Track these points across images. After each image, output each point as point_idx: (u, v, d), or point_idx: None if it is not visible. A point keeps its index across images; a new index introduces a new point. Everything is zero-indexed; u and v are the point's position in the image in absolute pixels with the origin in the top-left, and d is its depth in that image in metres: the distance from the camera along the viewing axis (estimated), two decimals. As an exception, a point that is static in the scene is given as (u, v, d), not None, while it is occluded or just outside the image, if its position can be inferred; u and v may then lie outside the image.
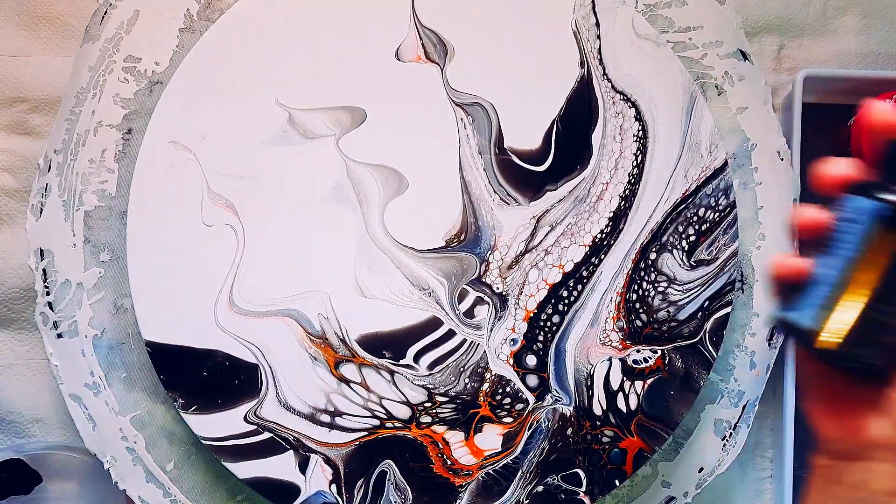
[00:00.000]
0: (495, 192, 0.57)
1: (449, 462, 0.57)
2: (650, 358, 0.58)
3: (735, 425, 0.61)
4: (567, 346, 0.58)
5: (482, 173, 0.57)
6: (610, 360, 0.58)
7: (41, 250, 0.57)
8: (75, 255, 0.57)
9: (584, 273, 0.58)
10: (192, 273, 0.56)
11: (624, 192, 0.58)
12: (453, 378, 0.57)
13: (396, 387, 0.57)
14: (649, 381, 0.58)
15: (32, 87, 0.63)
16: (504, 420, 0.57)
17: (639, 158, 0.58)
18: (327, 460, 0.56)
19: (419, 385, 0.57)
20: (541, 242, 0.58)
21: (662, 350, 0.58)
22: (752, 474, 0.66)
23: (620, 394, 0.58)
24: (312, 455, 0.56)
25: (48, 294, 0.57)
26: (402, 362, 0.57)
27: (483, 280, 0.58)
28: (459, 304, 0.57)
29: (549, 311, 0.58)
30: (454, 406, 0.57)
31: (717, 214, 0.59)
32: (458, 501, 0.57)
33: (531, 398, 0.58)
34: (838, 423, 0.37)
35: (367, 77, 0.57)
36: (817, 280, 0.39)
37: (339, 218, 0.57)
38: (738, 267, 0.61)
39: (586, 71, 0.58)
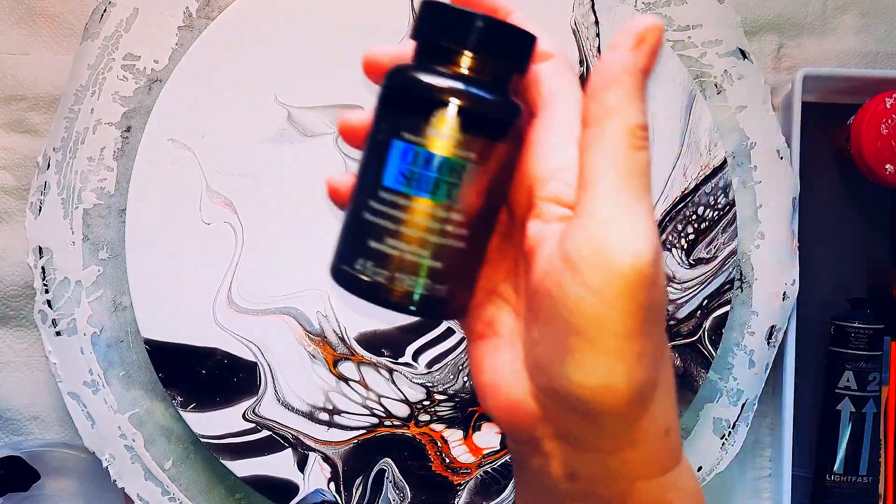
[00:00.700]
0: (494, 191, 0.57)
1: (447, 460, 0.57)
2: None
3: (734, 424, 0.61)
4: (566, 345, 0.58)
5: (481, 172, 0.57)
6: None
7: (40, 248, 0.57)
8: (74, 252, 0.57)
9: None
10: (191, 271, 0.55)
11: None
12: (452, 376, 0.57)
13: (395, 385, 0.57)
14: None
15: (31, 85, 0.63)
16: (503, 418, 0.57)
17: (638, 157, 0.58)
18: (326, 458, 0.56)
19: (418, 383, 0.57)
20: (540, 241, 0.58)
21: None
22: (750, 473, 0.66)
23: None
24: (311, 453, 0.56)
25: (47, 292, 0.57)
26: (400, 360, 0.57)
27: (482, 278, 0.57)
28: (458, 302, 0.57)
29: (548, 310, 0.58)
30: (453, 404, 0.57)
31: (716, 213, 0.59)
32: (456, 500, 0.57)
33: (530, 397, 0.58)
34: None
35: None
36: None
37: (339, 216, 0.57)
38: (737, 265, 0.61)
39: (585, 69, 0.58)
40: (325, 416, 0.56)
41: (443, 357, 0.57)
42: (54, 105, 0.63)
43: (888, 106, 0.61)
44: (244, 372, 0.55)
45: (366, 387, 0.56)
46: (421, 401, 0.57)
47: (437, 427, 0.57)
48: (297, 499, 0.56)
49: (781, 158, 0.61)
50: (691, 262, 0.59)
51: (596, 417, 0.29)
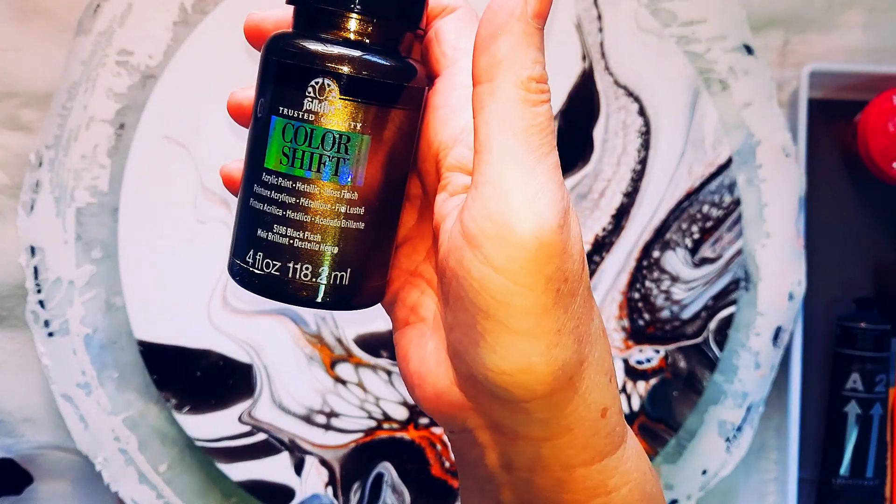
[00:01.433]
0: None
1: (447, 464, 0.56)
2: (653, 358, 0.57)
3: (739, 427, 0.60)
4: (568, 346, 0.57)
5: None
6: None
7: (32, 247, 0.56)
8: (67, 252, 0.56)
9: (586, 271, 0.57)
10: (186, 271, 0.55)
11: (626, 188, 0.57)
12: (452, 378, 0.56)
13: (394, 387, 0.56)
14: (652, 382, 0.57)
15: (24, 82, 0.62)
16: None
17: (641, 154, 0.58)
18: (323, 462, 0.55)
19: (417, 385, 0.56)
20: (541, 240, 0.57)
21: (665, 350, 0.58)
22: (756, 476, 0.65)
23: (622, 395, 0.57)
24: (308, 457, 0.55)
25: (39, 292, 0.56)
26: (399, 362, 0.56)
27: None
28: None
29: (550, 310, 0.57)
30: (453, 407, 0.56)
31: (721, 211, 0.58)
32: (455, 503, 0.56)
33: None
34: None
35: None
36: None
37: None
38: (743, 265, 0.60)
39: (588, 65, 0.57)
40: (322, 419, 0.55)
41: (442, 358, 0.56)
42: (47, 102, 0.62)
43: (895, 103, 0.61)
44: (240, 374, 0.55)
45: (364, 389, 0.56)
46: (420, 403, 0.56)
47: (437, 430, 0.56)
48: (294, 503, 0.55)
49: (787, 156, 0.61)
50: (696, 261, 0.58)
51: (519, 404, 0.26)
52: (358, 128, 0.27)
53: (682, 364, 0.58)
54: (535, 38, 0.26)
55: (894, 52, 0.67)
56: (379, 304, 0.31)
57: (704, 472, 0.60)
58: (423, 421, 0.56)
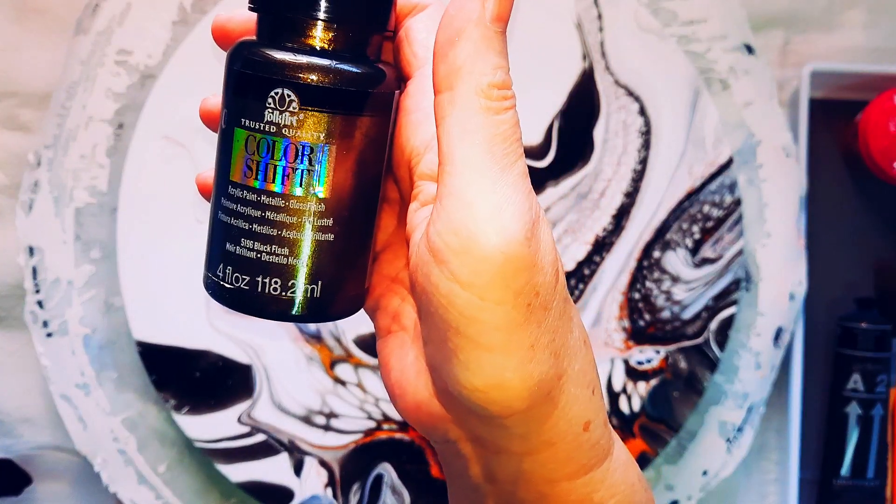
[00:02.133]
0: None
1: (447, 465, 0.56)
2: (654, 358, 0.57)
3: (740, 427, 0.60)
4: (568, 347, 0.57)
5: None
6: (612, 360, 0.57)
7: (31, 247, 0.56)
8: (66, 252, 0.56)
9: (587, 271, 0.57)
10: (185, 271, 0.55)
11: (627, 188, 0.57)
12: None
13: (394, 387, 0.56)
14: (652, 383, 0.57)
15: (23, 82, 0.62)
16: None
17: (642, 154, 0.57)
18: (323, 463, 0.55)
19: (417, 386, 0.56)
20: (541, 240, 0.57)
21: (666, 350, 0.57)
22: (756, 477, 0.65)
23: (623, 395, 0.57)
24: (307, 458, 0.55)
25: (38, 292, 0.56)
26: (399, 362, 0.56)
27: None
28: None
29: (550, 311, 0.57)
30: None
31: (722, 211, 0.58)
32: (456, 505, 0.56)
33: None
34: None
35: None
36: None
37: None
38: (744, 265, 0.60)
39: (588, 65, 0.57)
40: (321, 420, 0.55)
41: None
42: (46, 101, 0.62)
43: (896, 102, 0.61)
44: (239, 374, 0.55)
45: (363, 390, 0.55)
46: (420, 404, 0.56)
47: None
48: (293, 504, 0.55)
49: (788, 156, 0.61)
50: (697, 261, 0.58)
51: (496, 419, 0.26)
52: (322, 138, 0.26)
53: (683, 364, 0.58)
54: (495, 43, 0.25)
55: (895, 51, 0.66)
56: (360, 311, 0.30)
57: (705, 473, 0.60)
58: (423, 421, 0.56)
